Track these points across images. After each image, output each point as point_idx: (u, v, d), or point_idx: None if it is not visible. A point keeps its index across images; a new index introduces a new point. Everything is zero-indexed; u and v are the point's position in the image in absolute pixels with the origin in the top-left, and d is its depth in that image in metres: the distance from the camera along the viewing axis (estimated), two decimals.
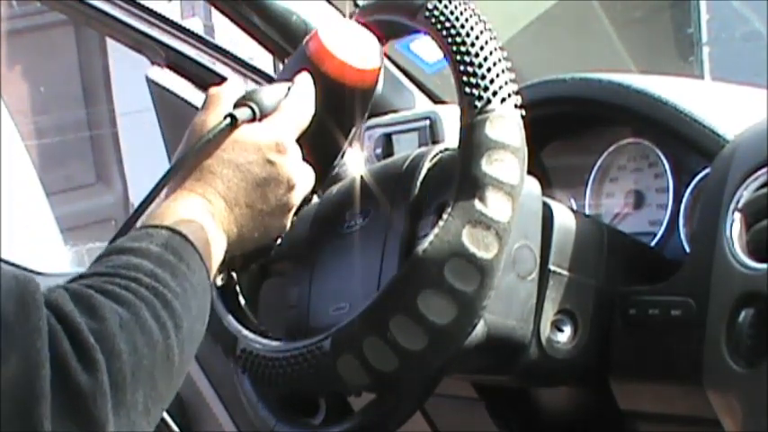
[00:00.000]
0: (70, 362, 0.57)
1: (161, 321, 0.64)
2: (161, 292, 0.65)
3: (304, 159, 0.85)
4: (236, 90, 0.84)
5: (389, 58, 1.58)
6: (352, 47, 0.88)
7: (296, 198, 0.83)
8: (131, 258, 0.67)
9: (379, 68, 0.90)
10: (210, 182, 0.78)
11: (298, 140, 0.84)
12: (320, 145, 0.89)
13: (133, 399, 0.60)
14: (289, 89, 0.85)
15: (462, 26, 0.84)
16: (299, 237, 1.07)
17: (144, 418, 0.62)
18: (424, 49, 1.54)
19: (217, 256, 0.76)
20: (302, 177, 0.84)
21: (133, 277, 0.65)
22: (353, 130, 0.92)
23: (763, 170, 0.90)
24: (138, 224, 0.74)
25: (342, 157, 0.94)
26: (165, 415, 0.95)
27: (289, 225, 0.84)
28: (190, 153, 0.78)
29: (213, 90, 0.83)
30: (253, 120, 0.81)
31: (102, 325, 0.60)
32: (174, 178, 0.78)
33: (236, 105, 0.82)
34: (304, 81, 0.86)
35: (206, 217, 0.75)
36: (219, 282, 1.01)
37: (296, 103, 0.85)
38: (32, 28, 5.96)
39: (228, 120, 0.79)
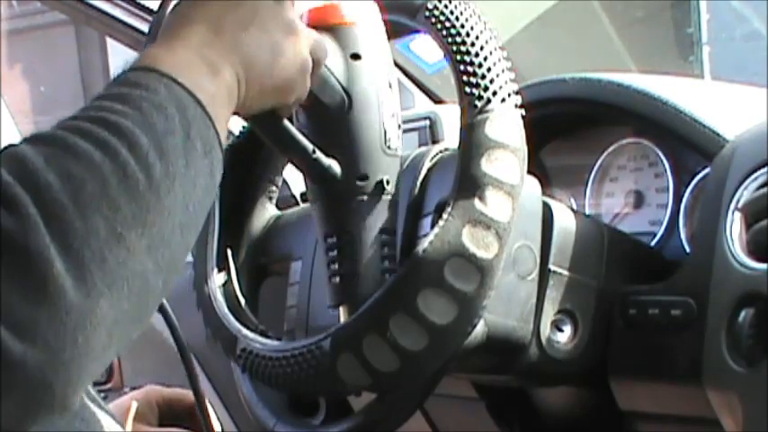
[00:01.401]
0: None
1: (102, 143, 0.56)
2: (101, 117, 0.58)
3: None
4: None
5: None
6: None
7: (293, 15, 0.73)
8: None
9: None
10: (179, 20, 0.68)
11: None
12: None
13: (87, 226, 0.54)
14: None
15: (462, 26, 0.84)
16: (299, 236, 1.07)
17: (118, 245, 0.55)
18: (424, 49, 1.55)
19: (206, 75, 0.65)
20: None
21: (71, 117, 0.59)
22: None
23: (763, 170, 0.90)
24: None
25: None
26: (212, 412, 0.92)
27: (307, 56, 0.74)
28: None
29: None
30: None
31: (22, 165, 0.54)
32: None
33: None
34: None
35: (178, 46, 0.66)
36: (220, 281, 1.01)
37: None
38: (32, 28, 5.96)
39: None
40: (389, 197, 0.86)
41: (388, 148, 0.86)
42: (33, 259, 0.52)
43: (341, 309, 0.88)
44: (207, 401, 0.89)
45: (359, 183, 0.84)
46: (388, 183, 0.85)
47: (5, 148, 0.56)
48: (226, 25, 0.68)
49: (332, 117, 0.83)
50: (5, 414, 0.52)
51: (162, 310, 0.86)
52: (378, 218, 0.86)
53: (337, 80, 0.83)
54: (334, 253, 0.86)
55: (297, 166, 0.87)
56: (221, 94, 0.66)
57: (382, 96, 0.85)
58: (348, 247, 0.86)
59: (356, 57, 0.84)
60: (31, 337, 0.51)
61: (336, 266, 0.86)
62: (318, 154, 0.83)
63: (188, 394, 1.01)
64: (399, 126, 0.87)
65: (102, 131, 0.57)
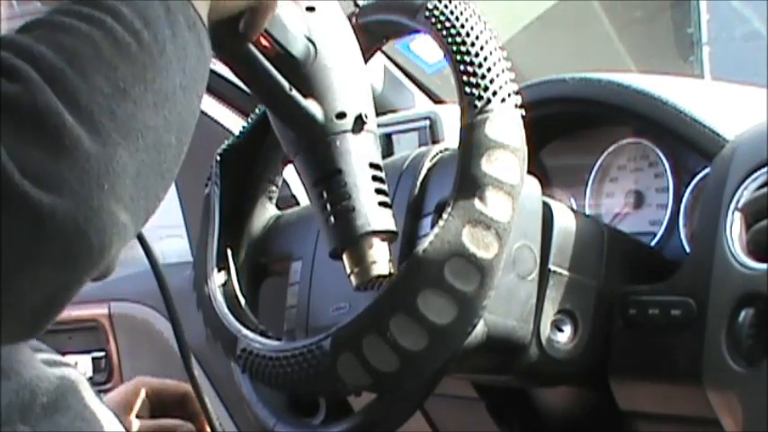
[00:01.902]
0: None
1: (87, 17, 0.58)
2: (80, 2, 0.60)
3: None
4: None
5: (389, 58, 1.58)
6: None
7: None
8: None
9: None
10: None
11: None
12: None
13: (89, 85, 0.55)
14: None
15: (462, 26, 0.84)
16: (299, 236, 1.07)
17: (124, 99, 0.57)
18: (424, 49, 1.55)
19: None
20: None
21: (55, 9, 0.60)
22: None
23: (763, 170, 0.90)
24: None
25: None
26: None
27: None
28: None
29: None
30: None
31: (14, 43, 0.55)
32: None
33: None
34: None
35: None
36: (220, 281, 1.01)
37: None
38: None
39: None
40: (372, 133, 0.86)
41: (362, 85, 0.86)
42: (44, 116, 0.53)
43: (344, 256, 0.86)
44: (204, 397, 0.89)
45: (337, 120, 0.85)
46: (366, 117, 0.86)
47: None
48: None
49: (300, 65, 0.85)
50: (50, 270, 0.53)
51: (167, 304, 0.86)
52: (363, 152, 0.85)
53: (299, 30, 0.85)
54: (326, 196, 0.85)
55: (273, 110, 0.87)
56: None
57: (346, 41, 0.87)
58: (338, 185, 0.84)
59: (311, 9, 0.86)
60: (58, 188, 0.53)
61: (330, 207, 0.85)
62: (294, 92, 0.84)
63: (177, 385, 1.02)
64: (368, 69, 0.88)
65: (84, 8, 0.59)
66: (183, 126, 0.62)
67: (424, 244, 0.78)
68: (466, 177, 0.80)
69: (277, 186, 1.10)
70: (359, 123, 0.85)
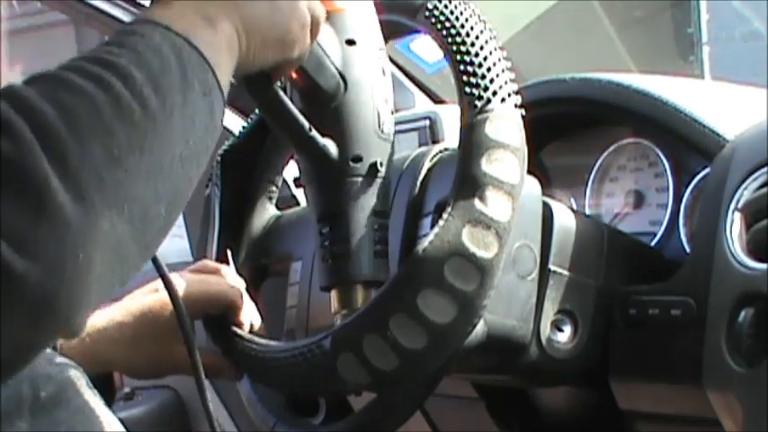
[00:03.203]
0: None
1: (96, 77, 0.57)
2: (96, 56, 0.58)
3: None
4: None
5: (389, 58, 1.58)
6: None
7: None
8: None
9: None
10: None
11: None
12: None
13: (83, 149, 0.54)
14: None
15: (462, 26, 0.84)
16: (299, 236, 1.07)
17: (116, 167, 0.55)
18: (424, 49, 1.55)
19: (204, 27, 0.66)
20: None
21: (67, 61, 0.59)
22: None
23: (763, 170, 0.90)
24: None
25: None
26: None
27: (306, 11, 0.75)
28: None
29: None
30: None
31: (16, 96, 0.55)
32: None
33: None
34: None
35: (175, 4, 0.66)
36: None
37: None
38: (32, 28, 5.96)
39: None
40: (382, 180, 0.87)
41: (382, 131, 0.87)
42: (31, 178, 0.52)
43: (332, 292, 0.88)
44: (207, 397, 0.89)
45: (353, 164, 0.85)
46: (381, 165, 0.86)
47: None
48: None
49: (327, 100, 0.85)
50: (11, 331, 0.53)
51: (171, 296, 0.86)
52: (370, 199, 0.87)
53: (333, 64, 0.84)
54: (327, 233, 0.87)
55: (292, 144, 0.88)
56: (219, 43, 0.67)
57: (376, 82, 0.86)
58: (341, 227, 0.86)
59: (351, 42, 0.86)
60: (33, 254, 0.52)
61: (329, 247, 0.87)
62: (314, 132, 0.84)
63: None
64: (392, 112, 0.88)
65: (96, 68, 0.58)
66: (175, 198, 0.61)
67: (424, 244, 0.78)
68: (466, 177, 0.80)
69: (277, 186, 1.10)
70: (372, 171, 0.86)
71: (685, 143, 1.03)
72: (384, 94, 0.87)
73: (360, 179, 0.86)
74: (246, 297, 0.97)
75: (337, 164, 0.85)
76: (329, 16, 0.84)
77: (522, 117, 0.83)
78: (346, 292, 0.87)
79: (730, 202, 0.91)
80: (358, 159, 0.85)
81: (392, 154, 0.88)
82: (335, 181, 0.86)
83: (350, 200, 0.86)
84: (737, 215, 0.90)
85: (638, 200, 1.15)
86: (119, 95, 0.57)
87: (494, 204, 0.79)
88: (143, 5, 1.47)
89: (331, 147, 0.85)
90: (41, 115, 0.54)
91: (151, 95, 0.58)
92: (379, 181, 0.87)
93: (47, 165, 0.53)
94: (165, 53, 0.61)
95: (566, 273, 0.95)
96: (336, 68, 0.85)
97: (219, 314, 0.96)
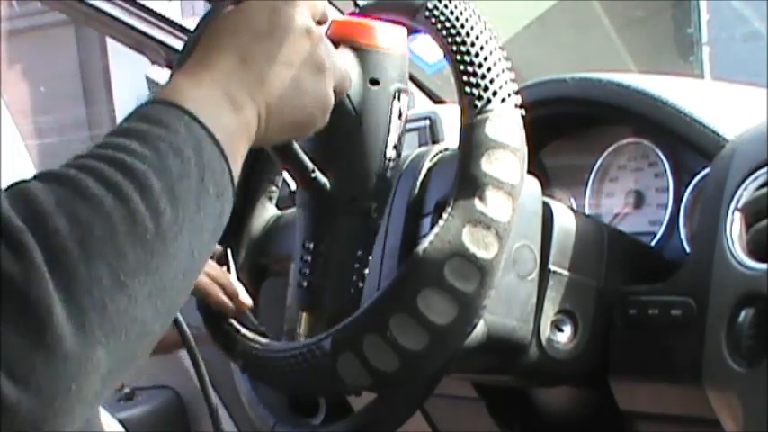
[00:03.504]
0: None
1: (114, 187, 0.56)
2: (117, 157, 0.57)
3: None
4: None
5: None
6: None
7: (321, 53, 0.73)
8: (98, 142, 0.60)
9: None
10: (210, 46, 0.69)
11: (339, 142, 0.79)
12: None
13: (91, 274, 0.54)
14: None
15: (462, 26, 0.84)
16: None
17: (120, 293, 0.55)
18: (424, 49, 1.55)
19: (227, 113, 0.66)
20: (320, 30, 0.73)
21: (87, 154, 0.58)
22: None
23: (763, 170, 0.90)
24: None
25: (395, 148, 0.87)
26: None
27: (330, 93, 0.74)
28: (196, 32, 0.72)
29: None
30: None
31: (33, 207, 0.54)
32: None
33: None
34: None
35: (203, 77, 0.66)
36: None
37: None
38: (32, 28, 5.96)
39: None
40: (375, 222, 0.89)
41: (384, 176, 0.87)
42: (35, 307, 0.52)
43: (302, 314, 0.90)
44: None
45: (347, 204, 0.87)
46: (375, 210, 0.87)
47: (21, 182, 0.57)
48: (255, 58, 0.69)
49: (337, 136, 0.84)
50: None
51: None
52: (357, 239, 0.88)
53: (351, 102, 0.84)
54: (309, 261, 0.88)
55: (293, 178, 0.88)
56: (240, 131, 0.67)
57: (391, 125, 0.86)
58: (322, 260, 0.88)
59: (375, 82, 0.85)
60: (26, 382, 0.52)
61: (307, 272, 0.88)
62: (317, 173, 0.84)
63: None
64: (399, 155, 0.88)
65: (116, 174, 0.57)
66: (171, 312, 0.60)
67: (424, 244, 0.78)
68: (466, 177, 0.80)
69: (277, 186, 1.10)
70: (365, 214, 0.87)
71: (685, 143, 1.03)
72: (395, 139, 0.87)
73: (350, 218, 0.87)
74: (226, 277, 0.97)
75: (332, 201, 0.86)
76: (362, 51, 0.83)
77: (522, 117, 0.83)
78: (315, 318, 0.90)
79: (730, 202, 0.91)
80: (354, 201, 0.86)
81: (401, 171, 0.89)
82: (327, 216, 0.87)
83: (337, 237, 0.88)
84: (737, 215, 0.90)
85: (638, 200, 1.15)
86: (134, 211, 0.56)
87: (494, 204, 0.79)
88: (143, 5, 1.47)
89: (329, 183, 0.85)
90: (55, 235, 0.54)
91: (166, 208, 0.58)
92: (369, 223, 0.88)
93: (53, 291, 0.53)
94: (186, 155, 0.60)
95: (566, 273, 0.95)
96: (353, 106, 0.84)
97: (219, 312, 0.96)
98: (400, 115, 0.87)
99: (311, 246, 0.87)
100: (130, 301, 0.56)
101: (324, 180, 0.84)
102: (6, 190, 0.55)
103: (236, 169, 0.65)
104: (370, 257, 0.89)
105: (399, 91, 0.86)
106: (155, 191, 0.57)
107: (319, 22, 0.74)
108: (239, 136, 0.66)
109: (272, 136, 0.71)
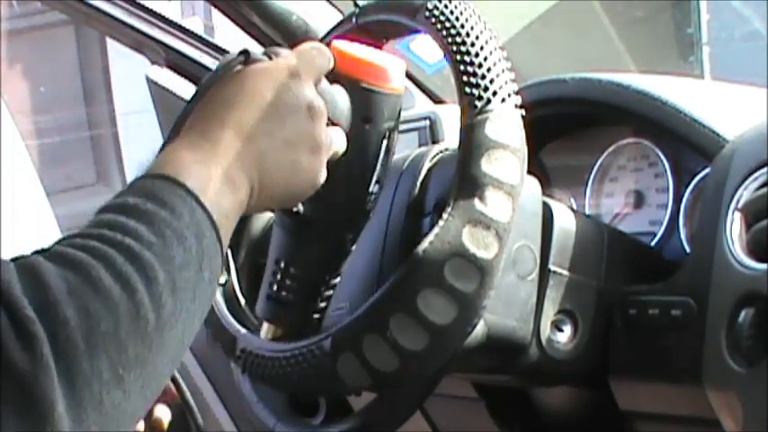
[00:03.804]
0: (6, 340, 0.53)
1: (123, 278, 0.57)
2: (127, 244, 0.59)
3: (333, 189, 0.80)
4: None
5: None
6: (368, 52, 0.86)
7: (321, 131, 0.74)
8: (104, 216, 0.61)
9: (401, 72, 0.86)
10: (213, 117, 0.70)
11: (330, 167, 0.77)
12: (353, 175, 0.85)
13: (93, 368, 0.55)
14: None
15: (462, 26, 0.84)
16: None
17: (116, 387, 0.56)
18: (424, 49, 1.55)
19: (226, 194, 0.67)
20: (322, 106, 0.75)
21: (96, 235, 0.59)
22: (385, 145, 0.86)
23: (763, 170, 0.90)
24: None
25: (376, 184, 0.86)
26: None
27: (323, 170, 0.76)
28: (198, 95, 0.72)
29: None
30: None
31: (45, 294, 0.55)
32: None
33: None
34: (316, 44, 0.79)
35: (206, 152, 0.67)
36: (221, 280, 1.01)
37: (310, 46, 0.78)
38: (32, 28, 5.95)
39: (242, 57, 0.74)
40: (348, 250, 0.89)
41: (363, 210, 0.87)
42: (39, 400, 0.53)
43: (265, 323, 0.91)
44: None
45: (323, 232, 0.87)
46: (351, 242, 0.88)
47: (32, 255, 0.58)
48: (255, 136, 0.70)
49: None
50: None
51: None
52: (327, 266, 0.89)
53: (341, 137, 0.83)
54: (278, 278, 0.88)
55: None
56: (235, 210, 0.69)
57: (378, 162, 0.85)
58: (291, 279, 0.88)
59: (366, 120, 0.84)
60: None
61: (274, 290, 0.88)
62: (300, 206, 0.84)
63: None
64: (380, 190, 0.87)
65: (126, 264, 0.58)
66: (156, 394, 0.62)
67: (424, 244, 0.78)
68: (466, 177, 0.80)
69: None
70: (339, 241, 0.87)
71: (685, 143, 1.03)
72: (379, 175, 0.86)
73: (325, 246, 0.88)
74: None
75: (308, 227, 0.86)
76: (353, 91, 0.83)
77: (522, 117, 0.83)
78: (275, 330, 0.90)
79: (730, 202, 0.91)
80: (330, 229, 0.87)
81: (401, 171, 0.89)
82: (301, 240, 0.87)
83: (308, 260, 0.88)
84: (737, 215, 0.90)
85: (638, 200, 1.15)
86: (139, 304, 0.58)
87: (494, 205, 0.79)
88: (143, 5, 1.47)
89: (310, 210, 0.85)
90: (65, 326, 0.55)
91: (168, 300, 0.59)
92: (343, 250, 0.88)
93: (57, 386, 0.54)
94: (188, 243, 0.62)
95: (566, 273, 0.95)
96: (342, 140, 0.83)
97: (218, 313, 0.96)
98: (387, 152, 0.86)
99: (282, 264, 0.88)
100: (124, 395, 0.57)
101: (302, 208, 0.85)
102: (17, 264, 0.56)
103: (226, 245, 0.67)
104: (337, 280, 0.90)
105: (390, 130, 0.85)
106: (159, 282, 0.59)
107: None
108: (234, 216, 0.68)
109: (259, 207, 0.73)
